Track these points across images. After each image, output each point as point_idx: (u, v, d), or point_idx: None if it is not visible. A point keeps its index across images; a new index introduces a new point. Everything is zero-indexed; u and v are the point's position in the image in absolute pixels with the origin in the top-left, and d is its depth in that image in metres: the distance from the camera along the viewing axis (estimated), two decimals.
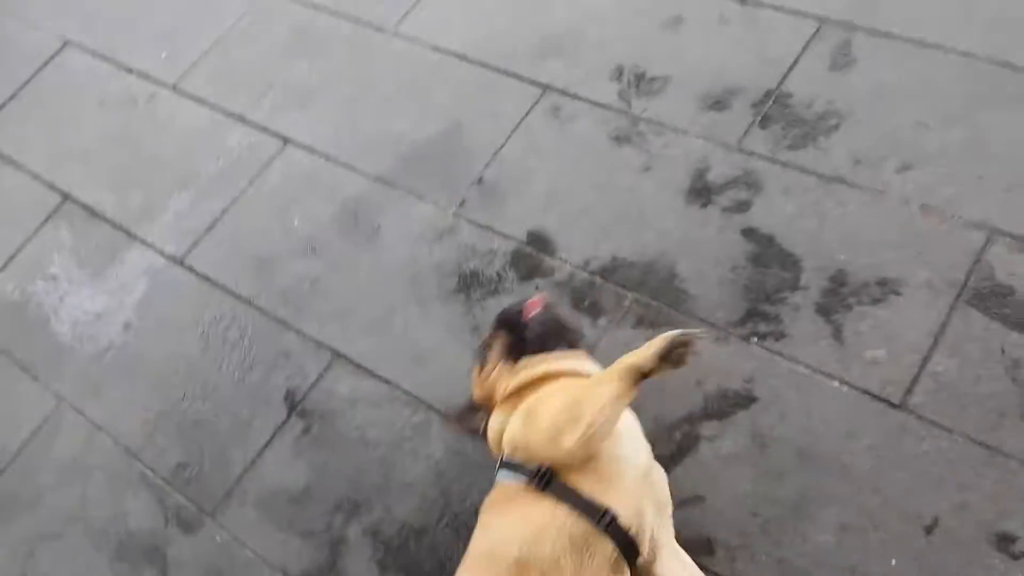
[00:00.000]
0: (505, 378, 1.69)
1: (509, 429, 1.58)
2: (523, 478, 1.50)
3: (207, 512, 2.00)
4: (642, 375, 1.49)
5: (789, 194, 2.06)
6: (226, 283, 2.32)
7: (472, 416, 1.77)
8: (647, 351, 1.49)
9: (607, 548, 1.44)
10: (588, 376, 1.65)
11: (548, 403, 1.55)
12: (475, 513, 1.82)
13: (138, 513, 2.05)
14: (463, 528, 1.83)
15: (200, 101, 2.73)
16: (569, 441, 1.45)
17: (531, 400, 1.59)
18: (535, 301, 1.78)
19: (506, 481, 1.54)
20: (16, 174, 2.77)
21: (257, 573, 1.90)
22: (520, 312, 1.76)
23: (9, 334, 2.43)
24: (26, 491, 2.16)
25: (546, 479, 1.47)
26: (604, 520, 1.44)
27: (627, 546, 1.46)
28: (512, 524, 1.47)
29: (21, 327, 2.43)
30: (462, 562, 1.50)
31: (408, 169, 2.39)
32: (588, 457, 1.47)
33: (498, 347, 1.74)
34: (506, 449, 1.57)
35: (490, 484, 1.81)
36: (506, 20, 2.60)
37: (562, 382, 1.63)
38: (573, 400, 1.49)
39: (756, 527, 1.70)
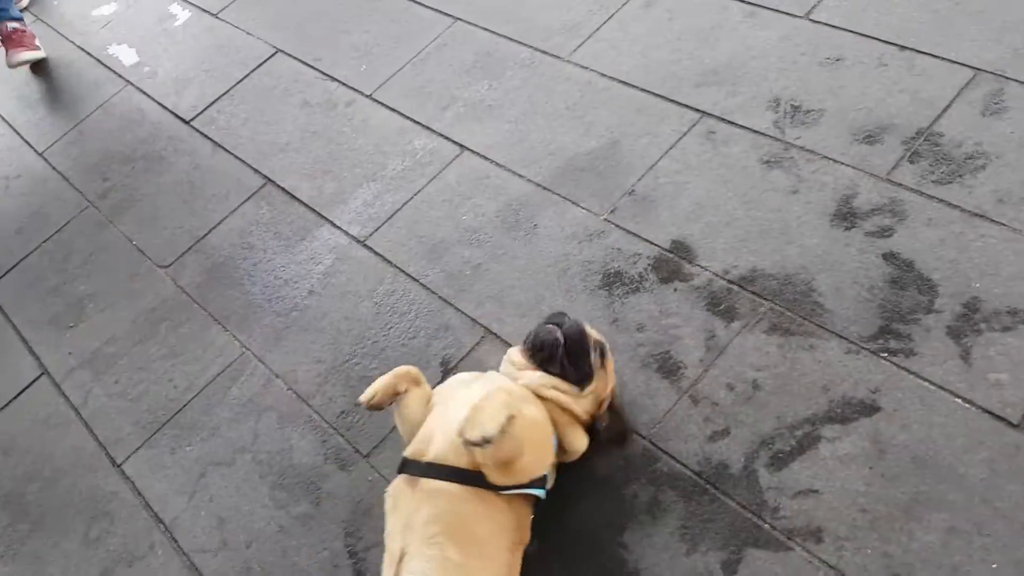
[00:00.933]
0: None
1: None
2: None
3: (363, 454, 2.25)
4: None
5: (932, 225, 2.16)
6: (400, 263, 2.60)
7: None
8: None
9: None
10: None
11: None
12: (599, 483, 2.01)
13: (301, 450, 2.32)
14: (583, 495, 2.00)
15: (392, 109, 3.07)
16: None
17: None
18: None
19: None
20: (226, 158, 3.18)
21: None
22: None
23: (207, 290, 2.79)
24: (205, 422, 2.48)
25: None
26: None
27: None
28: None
29: (218, 285, 2.79)
30: None
31: (567, 178, 2.63)
32: None
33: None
34: None
35: (613, 462, 2.02)
36: (671, 52, 2.81)
37: None
38: None
39: (866, 523, 1.79)
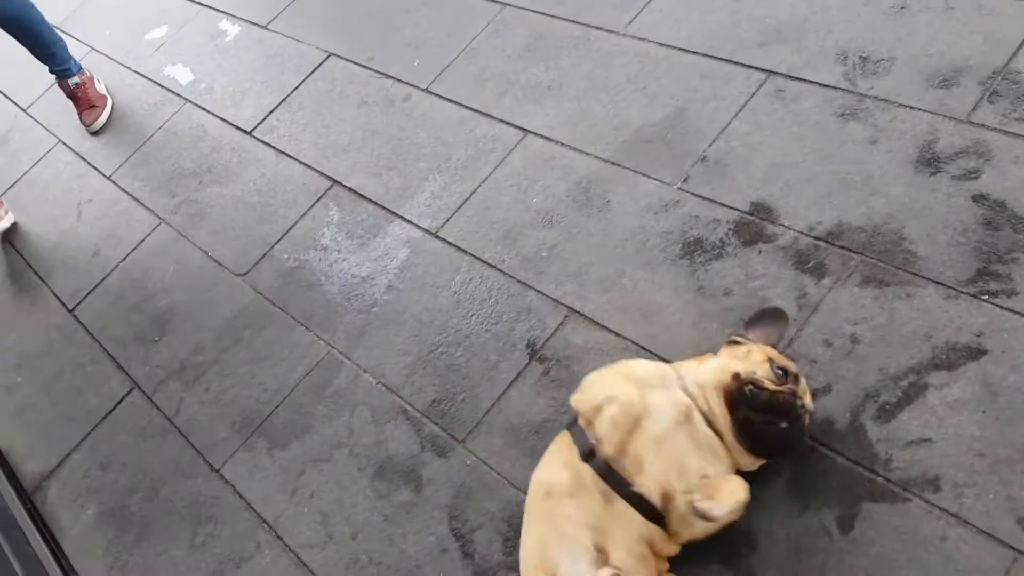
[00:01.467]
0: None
1: None
2: None
3: (458, 440, 2.26)
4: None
5: (1021, 163, 2.10)
6: (475, 251, 2.61)
7: None
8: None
9: None
10: None
11: None
12: None
13: (397, 441, 2.34)
14: None
15: (450, 100, 3.08)
16: None
17: None
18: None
19: None
20: (290, 164, 3.22)
21: (502, 492, 2.13)
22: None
23: (286, 293, 2.83)
24: (300, 421, 2.51)
25: None
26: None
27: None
28: None
29: (296, 288, 2.83)
30: None
31: (635, 151, 2.60)
32: None
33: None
34: None
35: None
36: (729, 14, 2.77)
37: None
38: None
39: (985, 467, 1.75)
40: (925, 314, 1.97)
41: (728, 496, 1.68)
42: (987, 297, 1.94)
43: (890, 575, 1.71)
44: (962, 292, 1.97)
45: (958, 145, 2.18)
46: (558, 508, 1.78)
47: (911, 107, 2.30)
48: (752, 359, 1.82)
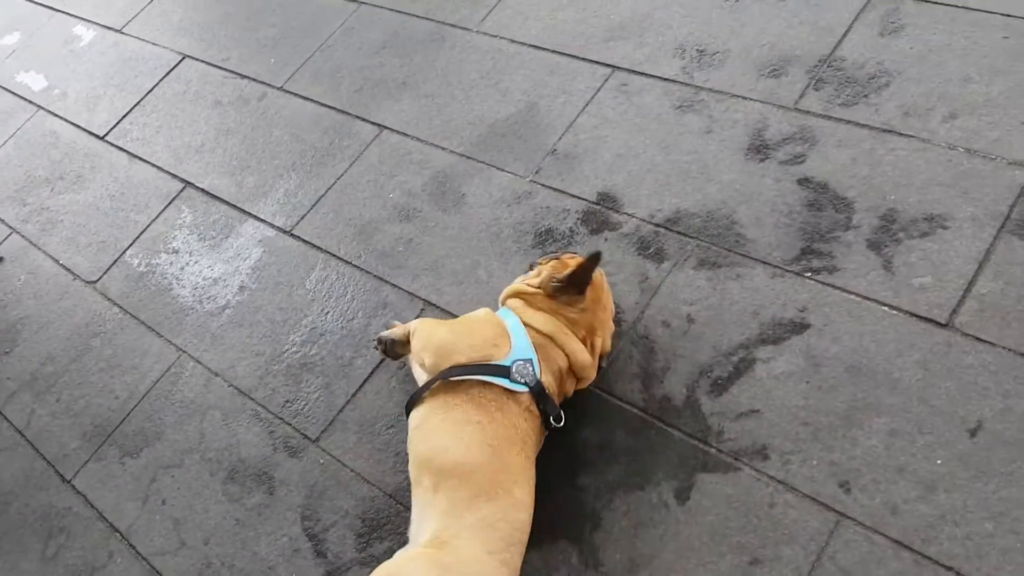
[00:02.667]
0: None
1: None
2: None
3: (311, 439, 2.24)
4: None
5: (843, 146, 2.21)
6: (330, 248, 2.59)
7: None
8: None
9: None
10: None
11: None
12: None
13: (249, 443, 2.30)
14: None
15: (305, 98, 3.05)
16: None
17: None
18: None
19: None
20: (143, 168, 3.13)
21: (356, 488, 2.12)
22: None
23: (136, 299, 2.75)
24: (150, 428, 2.44)
25: None
26: None
27: None
28: None
29: (147, 293, 2.75)
30: None
31: (489, 145, 2.63)
32: None
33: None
34: None
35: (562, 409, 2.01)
36: (576, 12, 2.83)
37: None
38: None
39: (808, 435, 1.83)
40: (754, 292, 2.05)
41: None
42: (810, 274, 2.04)
43: (723, 542, 1.77)
44: (787, 271, 2.06)
45: (785, 132, 2.29)
46: None
47: (743, 97, 2.40)
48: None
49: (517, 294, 1.98)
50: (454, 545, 1.62)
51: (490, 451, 1.73)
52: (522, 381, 1.80)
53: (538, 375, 1.82)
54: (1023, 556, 1.59)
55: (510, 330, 1.86)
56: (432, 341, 1.91)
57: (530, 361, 1.82)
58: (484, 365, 1.80)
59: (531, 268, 2.10)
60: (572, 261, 2.00)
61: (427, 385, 1.85)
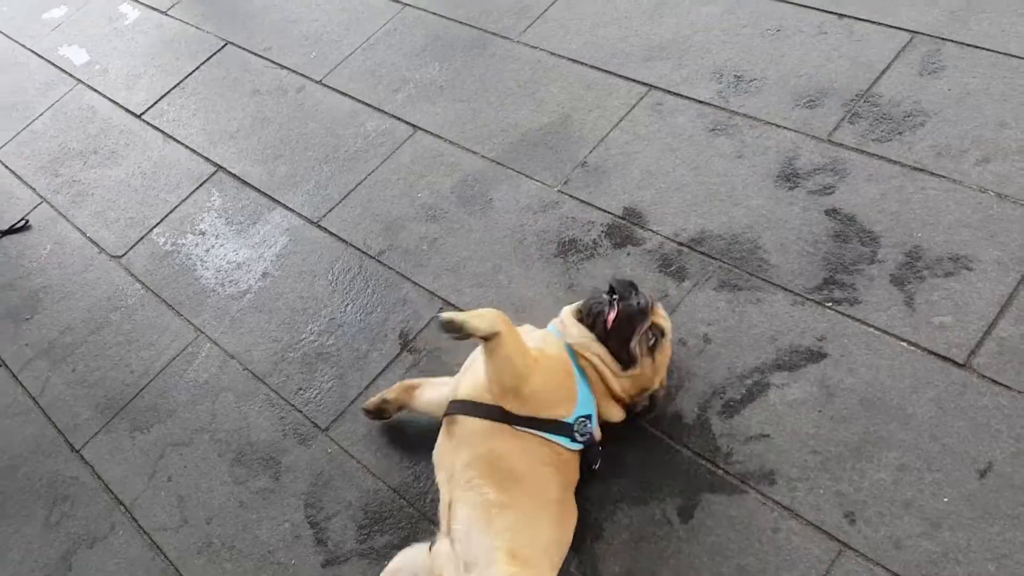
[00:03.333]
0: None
1: None
2: None
3: (321, 428, 2.25)
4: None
5: (873, 180, 2.21)
6: (356, 242, 2.61)
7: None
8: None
9: None
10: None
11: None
12: None
13: (259, 428, 2.31)
14: None
15: (343, 93, 3.08)
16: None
17: None
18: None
19: None
20: (177, 148, 3.17)
21: (361, 481, 2.13)
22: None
23: (159, 277, 2.78)
24: (163, 405, 2.46)
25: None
26: None
27: None
28: None
29: (170, 272, 2.78)
30: None
31: (520, 153, 2.65)
32: None
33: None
34: None
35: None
36: (619, 29, 2.86)
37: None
38: None
39: (817, 464, 1.83)
40: (772, 318, 2.06)
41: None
42: (831, 304, 2.04)
43: (724, 563, 1.77)
44: (808, 299, 2.06)
45: (817, 162, 2.29)
46: None
47: (777, 125, 2.41)
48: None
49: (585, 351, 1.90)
50: (535, 566, 1.68)
51: (560, 484, 1.81)
52: (581, 440, 1.83)
53: (594, 430, 1.86)
54: None
55: (576, 375, 1.86)
56: (522, 382, 1.78)
57: (589, 417, 1.85)
58: (550, 422, 1.81)
59: (610, 293, 1.91)
60: (662, 319, 1.93)
61: (490, 411, 1.80)
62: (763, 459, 1.86)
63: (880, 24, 2.52)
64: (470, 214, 2.56)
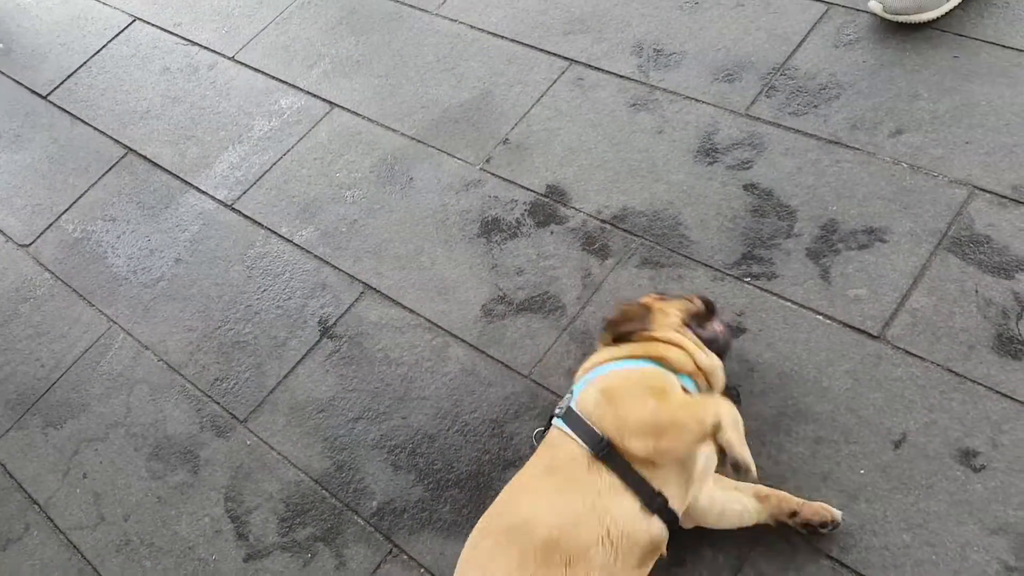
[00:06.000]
0: (666, 323, 1.77)
1: (592, 393, 1.64)
2: (579, 440, 1.58)
3: (240, 419, 2.19)
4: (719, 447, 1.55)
5: (789, 154, 2.22)
6: (271, 224, 2.54)
7: (625, 325, 1.79)
8: (744, 451, 1.53)
9: (643, 538, 1.52)
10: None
11: (639, 399, 1.60)
12: (484, 422, 2.00)
13: (176, 420, 2.25)
14: (471, 434, 2.01)
15: (256, 70, 2.98)
16: (651, 449, 1.54)
17: (618, 378, 1.66)
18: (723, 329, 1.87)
19: (562, 431, 1.62)
20: (86, 130, 3.04)
21: (282, 472, 2.08)
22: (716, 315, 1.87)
23: (69, 265, 2.67)
24: (76, 399, 2.37)
25: (605, 451, 1.55)
26: (655, 503, 1.54)
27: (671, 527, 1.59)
28: (551, 501, 1.53)
29: (80, 260, 2.67)
30: (486, 517, 1.61)
31: (441, 130, 2.60)
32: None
33: (691, 308, 1.83)
34: (582, 405, 1.63)
35: (498, 401, 1.99)
36: (538, 2, 2.81)
37: (651, 373, 1.68)
38: (671, 418, 1.55)
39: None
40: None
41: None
42: (749, 280, 2.05)
43: None
44: (728, 274, 2.07)
45: (735, 137, 2.29)
46: None
47: (696, 99, 2.40)
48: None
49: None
50: None
51: None
52: None
53: None
54: (936, 569, 1.61)
55: None
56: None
57: None
58: None
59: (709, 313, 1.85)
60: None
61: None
62: None
63: None
64: (390, 194, 2.51)
